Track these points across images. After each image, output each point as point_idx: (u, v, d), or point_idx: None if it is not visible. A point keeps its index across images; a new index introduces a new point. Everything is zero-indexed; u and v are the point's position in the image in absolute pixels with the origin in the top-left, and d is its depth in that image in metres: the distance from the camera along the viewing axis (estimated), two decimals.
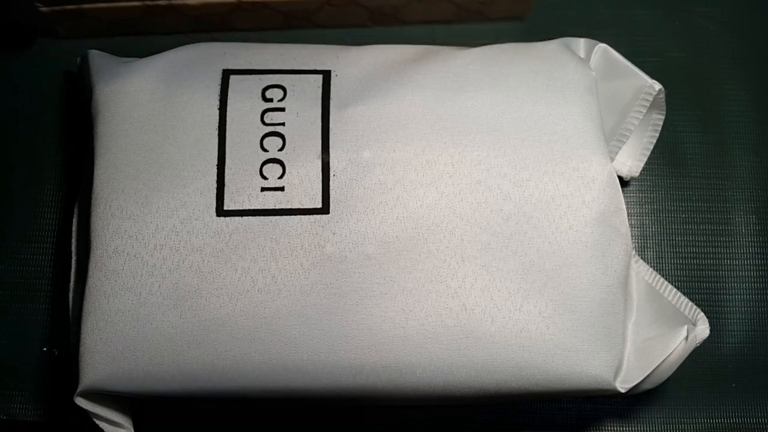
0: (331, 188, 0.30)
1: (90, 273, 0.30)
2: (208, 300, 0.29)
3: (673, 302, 0.32)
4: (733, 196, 0.38)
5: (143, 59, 0.33)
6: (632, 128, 0.34)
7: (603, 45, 0.34)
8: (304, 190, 0.30)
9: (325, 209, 0.30)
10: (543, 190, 0.30)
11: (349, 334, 0.29)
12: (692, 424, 0.35)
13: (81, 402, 0.30)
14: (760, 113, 0.39)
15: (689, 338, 0.30)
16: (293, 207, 0.30)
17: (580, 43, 0.35)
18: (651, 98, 0.33)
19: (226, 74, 0.32)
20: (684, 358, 0.30)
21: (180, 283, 0.29)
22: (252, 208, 0.30)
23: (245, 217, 0.30)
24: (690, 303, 0.31)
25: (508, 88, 0.32)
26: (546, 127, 0.31)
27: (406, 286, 0.29)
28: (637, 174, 0.36)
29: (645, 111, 0.34)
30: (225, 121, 0.31)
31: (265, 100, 0.32)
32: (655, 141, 0.35)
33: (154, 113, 0.31)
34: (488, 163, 0.30)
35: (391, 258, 0.30)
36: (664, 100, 0.34)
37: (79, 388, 0.29)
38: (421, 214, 0.30)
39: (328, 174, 0.30)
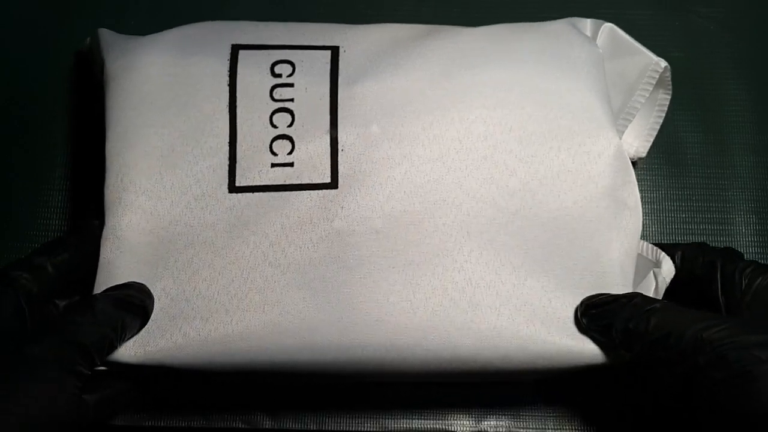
0: (339, 163, 0.30)
1: (104, 247, 0.30)
2: (221, 274, 0.29)
3: (643, 253, 0.32)
4: (733, 196, 0.38)
5: (152, 35, 0.33)
6: (639, 106, 0.34)
7: (609, 24, 0.35)
8: (313, 165, 0.30)
9: (333, 184, 0.30)
10: (548, 166, 0.30)
11: (357, 306, 0.29)
12: None
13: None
14: (760, 113, 0.39)
15: (659, 282, 0.31)
16: (303, 182, 0.30)
17: (587, 23, 0.35)
18: (657, 75, 0.33)
19: (236, 49, 0.32)
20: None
21: (195, 258, 0.30)
22: (263, 184, 0.30)
23: (256, 193, 0.30)
24: (650, 245, 0.32)
25: (516, 64, 0.32)
26: (553, 102, 0.31)
27: (414, 259, 0.30)
28: (644, 155, 0.36)
29: (651, 89, 0.34)
30: (235, 97, 0.31)
31: (274, 75, 0.32)
32: (661, 121, 0.35)
33: (164, 87, 0.32)
34: (494, 138, 0.31)
35: (398, 232, 0.30)
36: (669, 78, 0.34)
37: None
38: (428, 188, 0.30)
39: (337, 149, 0.31)
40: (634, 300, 0.28)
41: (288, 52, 0.32)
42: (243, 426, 0.35)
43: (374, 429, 0.35)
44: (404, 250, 0.30)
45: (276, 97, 0.31)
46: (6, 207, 0.37)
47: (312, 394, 0.35)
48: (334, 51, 0.32)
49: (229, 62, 0.32)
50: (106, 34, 0.34)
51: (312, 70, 0.32)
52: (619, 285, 0.30)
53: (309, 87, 0.32)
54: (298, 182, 0.30)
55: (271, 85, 0.32)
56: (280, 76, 0.32)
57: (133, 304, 0.29)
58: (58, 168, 0.38)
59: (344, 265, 0.29)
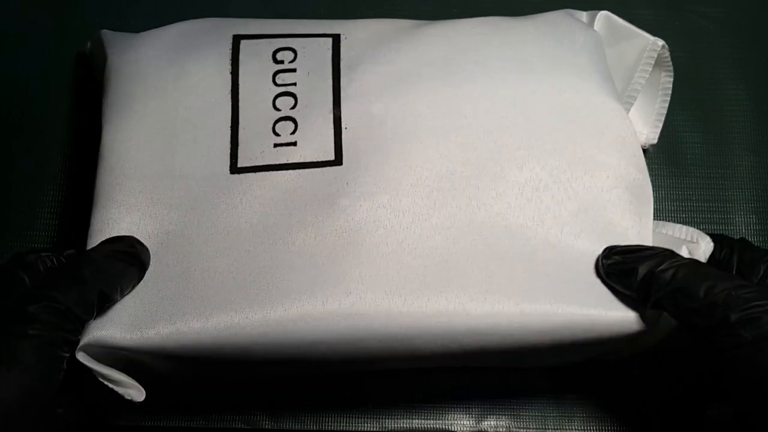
0: (343, 141, 0.30)
1: (95, 237, 0.29)
2: (225, 255, 0.28)
3: (675, 234, 0.31)
4: (733, 196, 0.38)
5: (153, 30, 0.34)
6: (639, 88, 0.34)
7: (605, 12, 0.35)
8: (316, 143, 0.30)
9: (338, 161, 0.30)
10: (556, 139, 0.30)
11: (366, 281, 0.28)
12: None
13: (82, 358, 0.26)
14: (760, 113, 0.39)
15: (696, 256, 0.29)
16: (306, 161, 0.30)
17: (583, 14, 0.36)
18: (655, 54, 0.34)
19: (237, 39, 0.33)
20: None
21: (196, 240, 0.29)
22: (265, 163, 0.30)
23: (259, 173, 0.30)
24: (689, 228, 0.30)
25: (518, 46, 0.32)
26: (556, 80, 0.32)
27: (422, 233, 0.29)
28: (655, 141, 0.36)
29: (650, 68, 0.34)
30: (237, 84, 0.31)
31: (276, 62, 0.32)
32: (667, 105, 0.35)
33: (166, 79, 0.32)
34: (500, 113, 0.31)
35: (404, 206, 0.29)
36: (669, 58, 0.34)
37: (82, 342, 0.26)
38: (434, 162, 0.30)
39: (340, 128, 0.31)
40: (664, 251, 0.28)
41: (289, 40, 0.33)
42: (243, 426, 0.35)
43: (374, 429, 0.35)
44: (412, 224, 0.29)
45: (278, 82, 0.32)
46: (6, 207, 0.37)
47: (312, 394, 0.35)
48: (336, 38, 0.33)
49: (230, 51, 0.32)
50: (107, 34, 0.34)
51: (314, 56, 0.32)
52: None
53: (311, 71, 0.32)
54: (302, 161, 0.30)
55: (274, 71, 0.32)
56: (282, 62, 0.32)
57: (127, 254, 0.27)
58: (58, 168, 0.38)
59: (351, 241, 0.29)
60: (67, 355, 0.25)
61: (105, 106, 0.32)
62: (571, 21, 0.34)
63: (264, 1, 0.41)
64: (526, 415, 0.35)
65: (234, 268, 0.28)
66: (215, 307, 0.27)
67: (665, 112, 0.36)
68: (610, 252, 0.29)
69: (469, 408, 0.35)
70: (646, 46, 0.34)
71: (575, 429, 0.35)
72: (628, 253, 0.28)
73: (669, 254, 0.27)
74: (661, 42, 0.34)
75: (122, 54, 0.33)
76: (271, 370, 0.32)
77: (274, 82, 0.31)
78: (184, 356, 0.28)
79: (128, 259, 0.28)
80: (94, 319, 0.27)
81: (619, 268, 0.28)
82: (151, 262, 0.29)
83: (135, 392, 0.28)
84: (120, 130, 0.31)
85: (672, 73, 0.35)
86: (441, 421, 0.35)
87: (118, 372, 0.27)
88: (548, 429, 0.35)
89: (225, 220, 0.29)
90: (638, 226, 0.30)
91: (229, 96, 0.31)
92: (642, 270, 0.27)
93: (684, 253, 0.29)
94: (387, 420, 0.35)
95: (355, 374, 0.35)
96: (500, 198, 0.30)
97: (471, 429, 0.35)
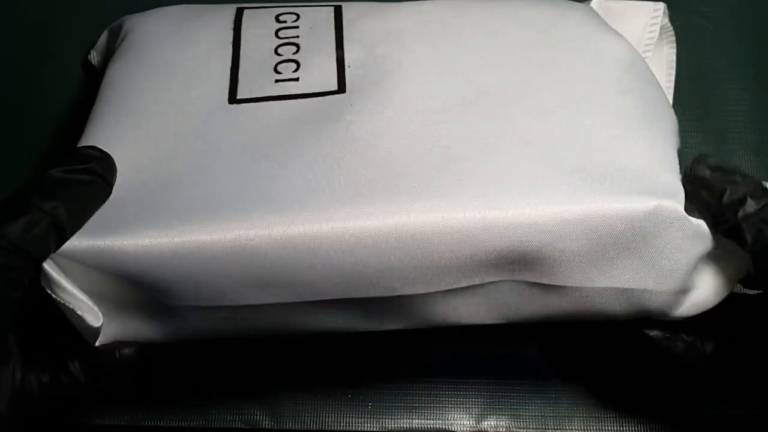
0: (346, 74, 0.30)
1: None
2: (217, 170, 0.27)
3: None
4: None
5: (158, 8, 0.34)
6: (650, 51, 0.34)
7: (595, 1, 0.35)
8: (319, 76, 0.30)
9: (341, 90, 0.30)
10: (563, 61, 0.30)
11: (375, 197, 0.25)
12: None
13: (48, 265, 0.23)
14: (760, 113, 0.39)
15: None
16: (308, 92, 0.30)
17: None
18: (659, 19, 0.34)
19: (240, 10, 0.33)
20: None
21: (186, 162, 0.27)
22: (265, 95, 0.30)
23: (259, 103, 0.29)
24: None
25: (514, 10, 0.33)
26: (553, 23, 0.32)
27: (433, 139, 0.27)
28: None
29: (658, 29, 0.34)
30: (239, 37, 0.32)
31: (279, 21, 0.33)
32: (674, 78, 0.35)
33: (169, 38, 0.32)
34: (508, 43, 0.31)
35: (415, 117, 0.28)
36: (669, 25, 0.35)
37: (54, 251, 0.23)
38: (444, 85, 0.29)
39: (343, 66, 0.31)
40: (755, 180, 0.26)
41: (292, 7, 0.33)
42: (243, 426, 0.35)
43: (374, 429, 0.35)
44: (420, 131, 0.28)
45: (281, 36, 0.32)
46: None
47: (312, 394, 0.35)
48: (337, 7, 0.33)
49: (234, 15, 0.33)
50: (124, 18, 0.35)
51: (316, 17, 0.33)
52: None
53: (314, 26, 0.32)
54: (304, 92, 0.30)
55: (276, 27, 0.32)
56: (284, 22, 0.32)
57: (84, 170, 0.24)
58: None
59: (359, 158, 0.27)
60: (18, 296, 0.22)
61: (113, 56, 0.32)
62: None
63: None
64: (526, 415, 0.35)
65: (223, 181, 0.26)
66: (194, 218, 0.25)
67: (672, 86, 0.35)
68: (701, 163, 0.26)
69: (469, 408, 0.35)
70: (647, 12, 0.34)
71: (575, 429, 0.35)
72: (718, 169, 0.26)
73: (759, 184, 0.26)
74: (661, 4, 0.34)
75: (134, 22, 0.34)
76: (250, 315, 0.27)
77: (276, 35, 0.32)
78: (157, 272, 0.24)
79: (88, 177, 0.24)
80: (55, 250, 0.23)
81: (706, 183, 0.26)
82: (131, 174, 0.26)
83: (91, 317, 0.25)
84: (122, 71, 0.31)
85: (674, 42, 0.35)
86: (441, 421, 0.35)
87: (79, 290, 0.25)
88: (548, 429, 0.35)
89: (225, 153, 0.27)
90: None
91: (230, 45, 0.31)
92: (731, 191, 0.25)
93: None
94: (387, 420, 0.35)
95: (355, 374, 0.35)
96: (523, 115, 0.28)
97: (471, 429, 0.35)
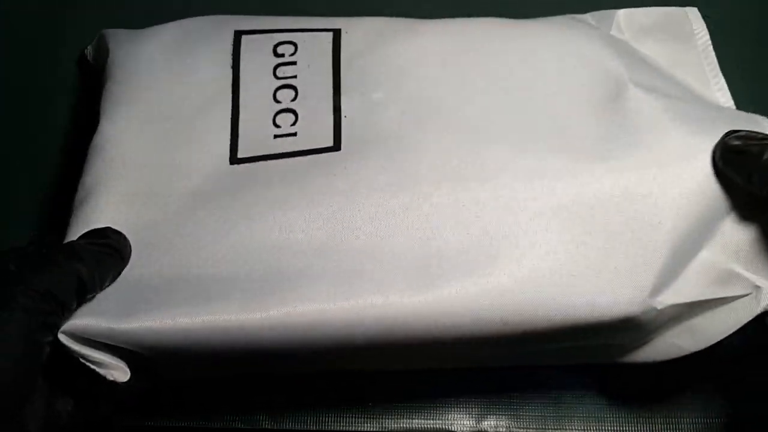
0: (342, 128, 0.30)
1: (83, 222, 0.28)
2: (225, 245, 0.28)
3: None
4: None
5: (156, 26, 0.34)
6: (714, 59, 0.35)
7: (623, 11, 0.35)
8: (315, 131, 0.30)
9: (336, 147, 0.30)
10: (554, 105, 0.30)
11: (361, 269, 0.27)
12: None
13: (64, 339, 0.25)
14: (760, 113, 0.39)
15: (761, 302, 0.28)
16: (305, 149, 0.30)
17: (587, 16, 0.36)
18: (701, 22, 0.35)
19: (238, 35, 0.33)
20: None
21: (191, 231, 0.28)
22: (265, 153, 0.30)
23: (259, 162, 0.30)
24: None
25: (519, 42, 0.33)
26: (554, 65, 0.32)
27: (422, 213, 0.28)
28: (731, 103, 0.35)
29: (707, 35, 0.35)
30: (238, 77, 0.32)
31: (277, 55, 0.32)
32: (716, 64, 0.35)
33: (167, 73, 0.32)
34: (500, 102, 0.31)
35: (405, 187, 0.28)
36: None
37: (63, 328, 0.25)
38: (435, 150, 0.29)
39: (340, 116, 0.31)
40: None
41: (290, 35, 0.33)
42: (243, 426, 0.35)
43: (374, 429, 0.35)
44: (411, 203, 0.28)
45: (279, 75, 0.32)
46: (6, 207, 0.37)
47: (312, 394, 0.35)
48: (336, 32, 0.33)
49: (232, 47, 0.32)
50: (110, 32, 0.35)
51: (314, 49, 0.32)
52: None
53: (311, 63, 0.32)
54: (301, 149, 0.30)
55: (274, 64, 0.32)
56: (282, 56, 0.32)
57: (105, 245, 0.27)
58: (58, 169, 0.38)
59: (348, 225, 0.28)
60: (49, 339, 0.24)
61: (104, 99, 0.32)
62: (573, 24, 0.34)
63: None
64: (526, 415, 0.35)
65: (228, 260, 0.27)
66: (204, 302, 0.26)
67: (718, 70, 0.35)
68: (732, 136, 0.28)
69: (469, 408, 0.35)
70: (685, 19, 0.35)
71: (575, 429, 0.35)
72: (749, 138, 0.27)
73: None
74: (694, 9, 0.35)
75: (124, 48, 0.33)
76: (261, 369, 0.31)
77: (274, 75, 0.32)
78: (168, 349, 0.26)
79: (106, 250, 0.27)
80: (76, 308, 0.26)
81: (741, 149, 0.27)
82: (142, 252, 0.28)
83: (119, 373, 0.27)
84: (118, 122, 0.31)
85: (707, 34, 0.36)
86: (441, 421, 0.35)
87: (101, 352, 0.26)
88: (548, 429, 0.35)
89: (225, 212, 0.29)
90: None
91: (230, 89, 0.31)
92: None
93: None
94: (387, 420, 0.35)
95: (355, 374, 0.35)
96: (503, 187, 0.29)
97: (471, 429, 0.35)
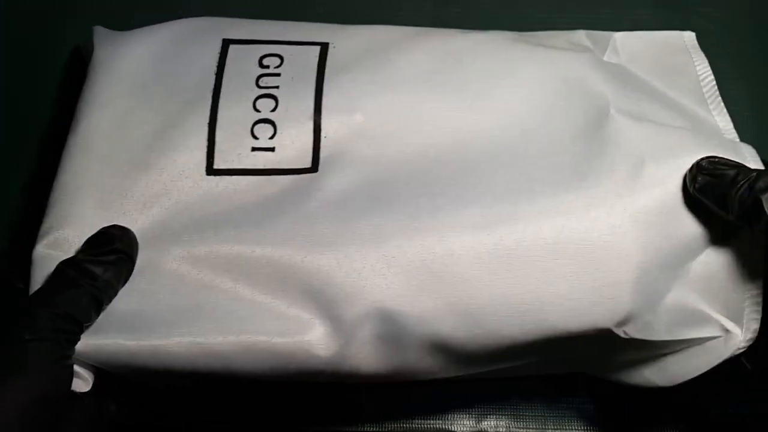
0: (321, 149, 0.30)
1: (44, 241, 0.28)
2: (194, 264, 0.28)
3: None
4: None
5: (145, 27, 0.33)
6: (712, 80, 0.35)
7: (618, 34, 0.35)
8: (294, 151, 0.30)
9: (314, 168, 0.30)
10: (535, 139, 0.30)
11: (334, 283, 0.27)
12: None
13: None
14: (760, 113, 0.39)
15: (728, 344, 0.29)
16: (283, 168, 0.30)
17: (584, 36, 0.36)
18: (697, 50, 0.35)
19: (226, 43, 0.33)
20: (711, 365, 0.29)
21: (166, 241, 0.28)
22: (242, 167, 0.30)
23: (235, 176, 0.30)
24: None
25: (508, 65, 0.32)
26: (539, 87, 0.32)
27: (398, 242, 0.28)
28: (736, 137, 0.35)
29: (705, 60, 0.35)
30: (220, 83, 0.31)
31: (262, 66, 0.32)
32: (716, 88, 0.35)
33: (149, 76, 0.32)
34: (484, 127, 0.31)
35: (379, 206, 0.28)
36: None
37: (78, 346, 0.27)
38: (413, 175, 0.29)
39: (320, 136, 0.30)
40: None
41: (277, 47, 0.33)
42: (242, 426, 0.35)
43: (374, 429, 0.35)
44: (386, 224, 0.28)
45: (261, 84, 0.31)
46: (5, 208, 0.37)
47: (311, 395, 0.35)
48: (324, 47, 0.33)
49: (218, 55, 0.32)
50: (99, 30, 0.34)
51: (300, 63, 0.32)
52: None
53: (295, 76, 0.32)
54: (279, 167, 0.30)
55: (258, 74, 0.32)
56: (267, 67, 0.32)
57: (114, 250, 0.27)
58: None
59: (315, 247, 0.28)
60: (73, 353, 0.26)
61: (81, 99, 0.31)
62: (567, 46, 0.34)
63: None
64: (526, 415, 0.35)
65: (199, 281, 0.28)
66: (179, 326, 0.27)
67: (717, 93, 0.35)
68: (705, 160, 0.28)
69: (469, 408, 0.35)
70: (682, 44, 0.35)
71: (575, 429, 0.35)
72: (721, 164, 0.28)
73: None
74: (691, 34, 0.35)
75: (108, 49, 0.33)
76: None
77: (257, 84, 0.31)
78: (151, 369, 0.27)
79: (114, 257, 0.27)
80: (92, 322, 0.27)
81: (712, 173, 0.27)
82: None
83: (80, 382, 0.27)
84: (93, 123, 0.30)
85: (704, 60, 0.36)
86: (441, 421, 0.35)
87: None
88: (548, 429, 0.35)
89: (199, 224, 0.29)
90: None
91: (211, 95, 0.31)
92: (742, 172, 0.27)
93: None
94: (387, 420, 0.35)
95: None
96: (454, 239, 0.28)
97: (471, 429, 0.35)
